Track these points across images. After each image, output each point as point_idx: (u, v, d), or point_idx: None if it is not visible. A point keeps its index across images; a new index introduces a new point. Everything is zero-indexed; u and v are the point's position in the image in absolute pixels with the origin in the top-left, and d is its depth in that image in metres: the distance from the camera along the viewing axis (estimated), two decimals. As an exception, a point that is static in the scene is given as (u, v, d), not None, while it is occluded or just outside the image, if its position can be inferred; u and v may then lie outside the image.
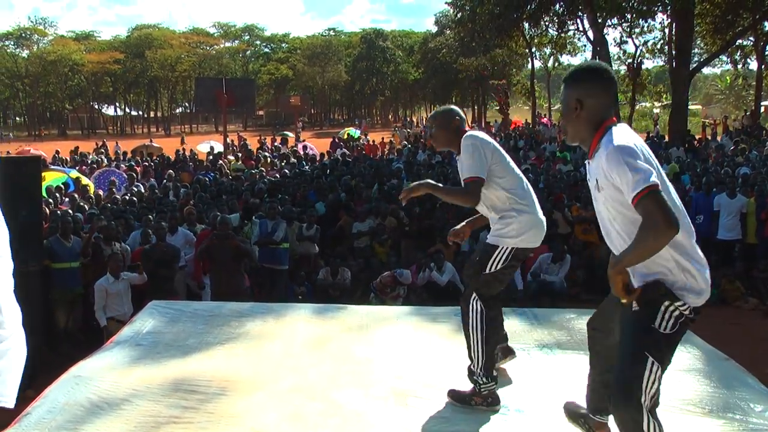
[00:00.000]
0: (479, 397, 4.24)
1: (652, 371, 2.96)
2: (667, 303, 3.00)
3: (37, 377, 6.64)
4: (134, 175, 19.30)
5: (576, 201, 13.26)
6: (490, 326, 4.23)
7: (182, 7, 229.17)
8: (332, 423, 4.04)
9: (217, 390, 4.49)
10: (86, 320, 9.54)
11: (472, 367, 4.25)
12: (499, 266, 4.22)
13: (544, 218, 4.36)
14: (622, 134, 2.99)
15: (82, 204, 13.78)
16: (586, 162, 3.20)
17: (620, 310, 3.17)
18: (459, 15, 42.19)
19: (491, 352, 4.29)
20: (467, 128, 4.43)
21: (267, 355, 5.21)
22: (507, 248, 4.21)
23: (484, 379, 4.20)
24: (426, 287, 10.82)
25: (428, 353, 5.11)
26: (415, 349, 5.21)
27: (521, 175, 4.37)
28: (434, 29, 74.01)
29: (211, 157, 24.40)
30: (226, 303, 7.03)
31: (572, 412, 3.91)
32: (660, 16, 34.40)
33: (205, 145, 33.24)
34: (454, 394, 4.33)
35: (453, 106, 4.61)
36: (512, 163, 4.36)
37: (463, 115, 4.57)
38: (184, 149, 30.47)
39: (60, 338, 9.13)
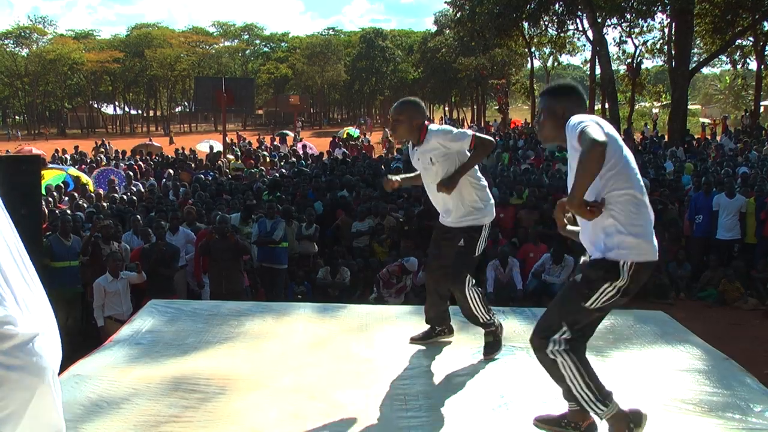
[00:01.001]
0: (499, 329, 5.10)
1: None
2: None
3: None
4: (132, 174, 19.32)
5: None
6: (482, 292, 5.04)
7: (182, 6, 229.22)
8: (332, 423, 4.03)
9: (217, 389, 4.48)
10: (86, 319, 9.54)
11: (482, 321, 5.00)
12: (483, 246, 4.87)
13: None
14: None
15: (81, 203, 13.79)
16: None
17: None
18: (458, 14, 42.30)
19: (487, 303, 5.05)
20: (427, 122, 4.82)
21: (267, 354, 5.20)
22: (485, 226, 4.84)
23: (490, 317, 5.03)
24: (425, 287, 10.82)
25: (428, 353, 5.10)
26: (415, 349, 5.21)
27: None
28: (434, 29, 73.94)
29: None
30: (225, 302, 7.03)
31: (546, 421, 3.95)
32: (659, 16, 34.53)
33: (205, 144, 33.25)
34: (487, 350, 5.00)
35: (418, 100, 5.02)
36: None
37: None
38: (182, 149, 30.41)
39: (59, 337, 9.10)
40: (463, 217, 4.78)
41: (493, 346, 4.97)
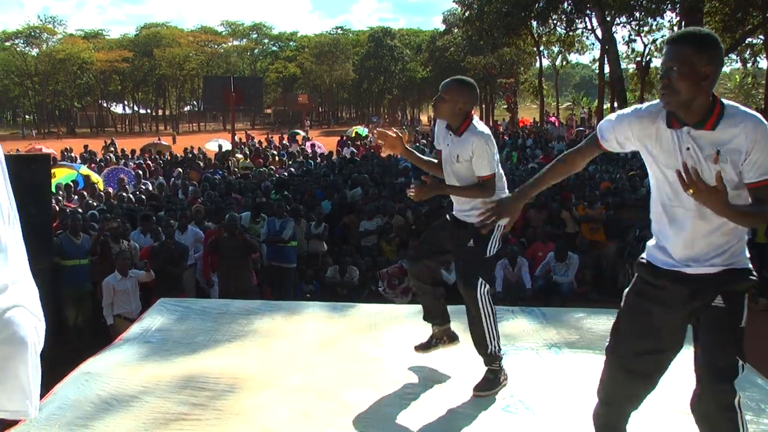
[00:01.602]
0: (502, 374, 4.46)
1: None
2: None
3: (45, 374, 6.65)
4: (141, 173, 19.37)
5: (582, 200, 13.22)
6: (493, 305, 4.46)
7: (191, 6, 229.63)
8: (341, 422, 4.04)
9: (226, 387, 4.49)
10: (95, 317, 9.57)
11: (490, 350, 4.40)
12: (496, 248, 4.48)
13: None
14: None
15: (91, 201, 13.83)
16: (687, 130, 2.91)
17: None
18: (467, 13, 42.29)
19: (497, 325, 4.50)
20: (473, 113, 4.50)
21: (276, 352, 5.21)
22: (499, 228, 4.37)
23: (500, 352, 4.47)
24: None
25: (437, 352, 5.09)
26: (423, 348, 5.21)
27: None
28: (442, 27, 73.94)
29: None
30: (234, 300, 7.04)
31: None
32: (669, 14, 34.41)
33: (214, 143, 33.29)
34: (481, 387, 4.40)
35: (473, 83, 4.57)
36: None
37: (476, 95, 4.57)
38: (191, 148, 30.48)
39: (69, 335, 9.16)
40: (472, 209, 4.46)
41: (490, 383, 4.42)
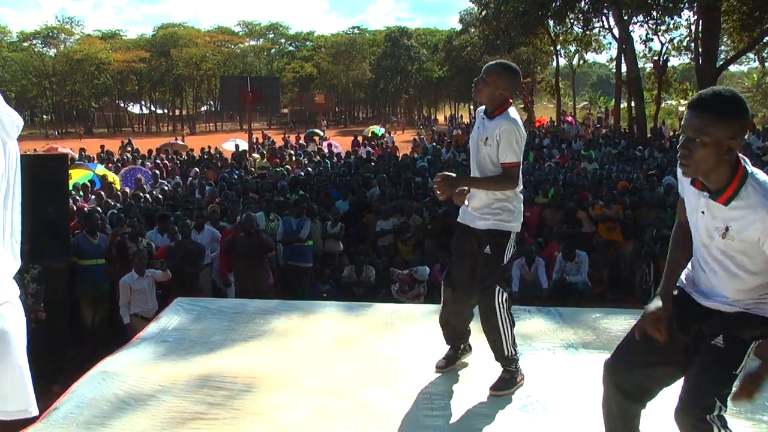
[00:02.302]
0: (519, 374, 4.45)
1: None
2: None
3: (63, 372, 6.71)
4: (158, 173, 19.45)
5: (599, 199, 13.15)
6: (511, 310, 4.42)
7: (208, 6, 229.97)
8: (358, 421, 4.04)
9: (243, 387, 4.50)
10: (112, 316, 9.61)
11: (506, 355, 4.39)
12: (512, 252, 4.41)
13: None
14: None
15: (108, 201, 13.89)
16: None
17: None
18: (483, 13, 42.20)
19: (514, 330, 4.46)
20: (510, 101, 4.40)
21: (292, 352, 5.22)
22: (514, 233, 4.39)
23: (517, 355, 4.46)
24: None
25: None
26: (441, 348, 5.18)
27: None
28: (459, 27, 73.59)
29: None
30: (251, 300, 7.05)
31: None
32: (686, 13, 34.15)
33: (231, 143, 33.39)
34: (497, 386, 4.40)
35: (517, 69, 4.49)
36: None
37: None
38: (208, 147, 30.56)
39: (86, 334, 9.21)
40: (485, 207, 4.38)
41: (507, 383, 4.42)
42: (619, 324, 5.58)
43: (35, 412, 2.14)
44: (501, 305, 4.31)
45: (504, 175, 4.27)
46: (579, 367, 4.84)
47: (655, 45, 39.37)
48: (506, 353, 4.39)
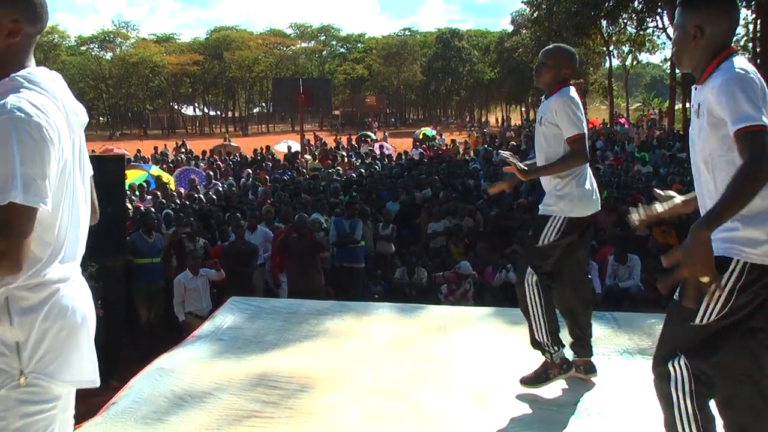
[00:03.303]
0: (554, 368, 4.34)
1: None
2: None
3: (119, 368, 6.82)
4: (212, 174, 19.68)
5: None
6: (547, 295, 4.25)
7: (260, 9, 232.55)
8: (412, 423, 4.03)
9: (298, 386, 4.52)
10: (167, 314, 9.75)
11: (537, 337, 4.31)
12: (552, 238, 4.21)
13: (595, 189, 4.34)
14: (745, 65, 2.59)
15: (164, 201, 14.09)
16: (693, 88, 2.79)
17: None
18: (535, 14, 41.97)
19: (553, 318, 4.30)
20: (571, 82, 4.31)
21: (346, 353, 5.23)
22: (558, 218, 4.22)
23: (554, 348, 4.31)
24: (502, 288, 10.69)
25: (507, 355, 5.05)
26: (494, 351, 5.15)
27: None
28: (510, 28, 73.30)
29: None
30: (304, 300, 7.09)
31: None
32: (743, 12, 33.47)
33: (283, 144, 33.63)
34: (527, 379, 4.37)
35: (573, 50, 4.45)
36: None
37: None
38: (261, 149, 30.82)
39: (142, 331, 9.35)
40: (546, 196, 4.30)
41: (537, 377, 4.34)
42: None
43: (99, 383, 2.22)
44: (531, 286, 4.24)
45: (570, 152, 4.14)
46: (634, 374, 4.75)
47: (711, 45, 38.73)
48: (538, 338, 4.32)
